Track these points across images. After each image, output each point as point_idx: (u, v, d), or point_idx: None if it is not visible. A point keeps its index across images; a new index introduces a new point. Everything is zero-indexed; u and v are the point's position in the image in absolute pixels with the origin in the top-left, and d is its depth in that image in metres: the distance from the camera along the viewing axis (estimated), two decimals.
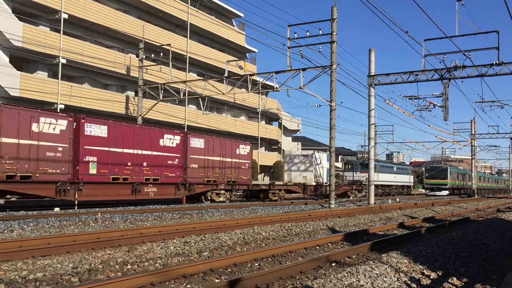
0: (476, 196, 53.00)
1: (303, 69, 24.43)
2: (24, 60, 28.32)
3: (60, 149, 17.71)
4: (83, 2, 30.48)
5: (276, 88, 26.91)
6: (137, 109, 30.65)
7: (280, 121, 52.09)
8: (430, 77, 25.05)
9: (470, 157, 58.69)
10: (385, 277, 6.82)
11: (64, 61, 28.45)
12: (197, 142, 24.37)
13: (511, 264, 8.61)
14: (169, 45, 31.34)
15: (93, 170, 18.87)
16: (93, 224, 13.65)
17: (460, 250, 9.56)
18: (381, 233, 13.36)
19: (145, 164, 21.13)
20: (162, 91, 29.09)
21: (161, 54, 30.40)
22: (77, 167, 18.30)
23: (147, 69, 31.25)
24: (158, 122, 33.23)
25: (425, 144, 66.49)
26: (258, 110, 44.69)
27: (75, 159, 18.27)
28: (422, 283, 6.87)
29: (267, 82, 28.51)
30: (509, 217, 19.41)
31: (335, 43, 24.53)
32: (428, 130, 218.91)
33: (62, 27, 28.50)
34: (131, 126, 21.37)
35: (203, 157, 24.68)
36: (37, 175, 16.95)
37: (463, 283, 6.94)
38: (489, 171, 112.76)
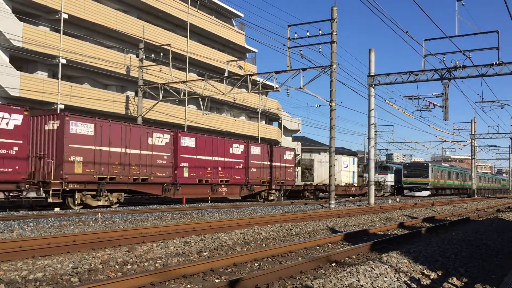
0: (476, 196, 53.00)
1: (303, 69, 24.43)
2: (24, 60, 28.31)
3: (165, 157, 22.34)
4: (83, 2, 30.48)
5: (276, 88, 26.92)
6: (137, 109, 30.65)
7: (280, 121, 52.08)
8: (430, 77, 25.05)
9: (470, 157, 58.63)
10: (385, 277, 6.83)
11: (64, 61, 28.45)
12: (255, 150, 28.81)
13: (511, 264, 8.61)
14: (169, 45, 31.34)
15: (186, 174, 23.46)
16: (93, 224, 13.65)
17: (460, 250, 9.56)
18: (381, 233, 13.36)
19: (219, 168, 25.71)
20: (162, 91, 29.09)
21: (161, 54, 30.40)
22: (176, 171, 22.87)
23: (147, 69, 31.25)
24: (158, 122, 33.22)
25: (425, 144, 66.44)
26: (258, 110, 44.68)
27: (174, 165, 22.87)
28: (422, 283, 6.87)
29: (267, 82, 28.52)
30: (509, 217, 19.41)
31: (335, 43, 24.53)
32: (428, 130, 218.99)
33: (62, 27, 28.50)
34: (210, 137, 25.99)
35: (260, 162, 29.06)
36: (151, 178, 21.56)
37: (463, 283, 6.94)
38: (489, 171, 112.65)
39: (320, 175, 37.09)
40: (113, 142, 19.87)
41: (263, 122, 48.24)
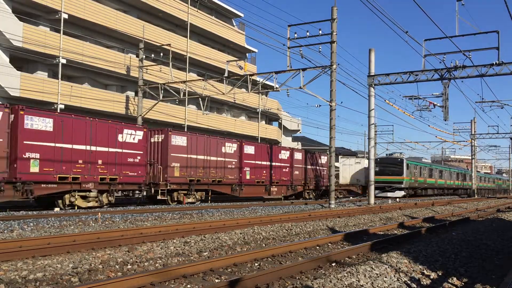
0: (476, 196, 53.00)
1: (303, 69, 24.42)
2: (24, 60, 28.31)
3: (233, 162, 27.08)
4: (83, 2, 30.48)
5: (276, 88, 26.93)
6: (137, 109, 30.65)
7: (280, 121, 52.07)
8: (430, 77, 25.05)
9: (470, 157, 58.59)
10: (385, 277, 6.83)
11: (64, 61, 28.44)
12: (298, 155, 33.34)
13: (511, 264, 8.61)
14: (169, 45, 31.34)
15: (248, 176, 28.12)
16: (93, 224, 13.65)
17: (460, 250, 9.56)
18: (381, 233, 13.36)
19: (273, 172, 30.49)
20: (162, 91, 29.08)
21: (161, 54, 30.38)
22: (241, 174, 27.58)
23: (147, 69, 31.24)
24: (158, 122, 33.23)
25: (425, 144, 66.43)
26: (258, 110, 44.69)
27: (240, 169, 27.53)
28: (422, 283, 6.87)
29: (267, 82, 28.53)
30: (509, 217, 19.41)
31: (335, 43, 24.53)
32: (428, 130, 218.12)
33: (62, 27, 28.50)
34: (265, 145, 31.26)
35: (301, 165, 33.61)
36: (224, 179, 26.33)
37: (463, 283, 6.94)
38: (489, 171, 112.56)
39: (345, 177, 40.45)
40: (199, 151, 24.63)
41: (263, 122, 48.24)
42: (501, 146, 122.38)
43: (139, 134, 21.58)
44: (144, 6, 36.02)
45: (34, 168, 17.18)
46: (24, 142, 16.93)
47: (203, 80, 28.13)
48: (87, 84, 31.99)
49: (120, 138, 20.57)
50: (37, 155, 17.33)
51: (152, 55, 30.88)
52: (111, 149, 20.08)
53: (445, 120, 26.53)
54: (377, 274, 6.88)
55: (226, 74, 26.83)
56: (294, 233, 12.65)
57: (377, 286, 6.40)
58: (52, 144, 17.81)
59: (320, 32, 24.06)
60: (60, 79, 28.18)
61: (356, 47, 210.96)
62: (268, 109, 45.68)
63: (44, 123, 17.59)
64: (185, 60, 37.11)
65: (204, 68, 39.47)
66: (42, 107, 22.42)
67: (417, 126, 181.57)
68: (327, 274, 7.13)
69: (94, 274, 7.13)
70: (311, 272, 7.53)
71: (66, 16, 29.06)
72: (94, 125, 19.43)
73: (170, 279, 6.73)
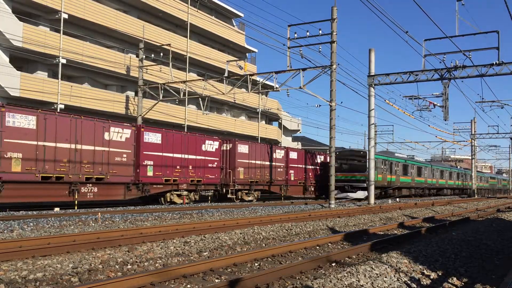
0: (476, 196, 53.01)
1: (303, 69, 24.42)
2: (24, 60, 28.31)
3: (282, 166, 31.38)
4: (83, 2, 30.47)
5: (276, 88, 26.93)
6: (137, 109, 30.65)
7: (280, 121, 52.06)
8: (430, 77, 25.05)
9: (470, 157, 58.58)
10: (385, 277, 6.83)
11: (64, 61, 28.43)
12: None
13: (511, 264, 8.61)
14: (169, 45, 31.33)
15: (292, 177, 32.36)
16: (93, 224, 13.65)
17: (460, 250, 9.56)
18: (381, 233, 13.36)
19: (310, 174, 34.61)
20: (162, 91, 29.08)
21: (161, 54, 30.38)
22: (287, 176, 31.82)
23: (147, 69, 31.23)
24: (158, 122, 33.23)
25: (425, 144, 66.38)
26: (258, 110, 44.68)
27: (286, 171, 31.73)
28: (422, 283, 6.87)
29: (267, 82, 28.54)
30: (509, 217, 19.41)
31: (335, 43, 24.53)
32: (428, 130, 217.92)
33: (62, 27, 28.49)
34: (305, 151, 35.31)
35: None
36: (275, 181, 30.68)
37: (463, 283, 6.94)
38: (489, 171, 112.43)
39: None
40: (257, 157, 28.83)
41: (263, 122, 48.23)
42: (501, 146, 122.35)
43: (216, 144, 25.99)
44: (144, 6, 36.01)
45: (150, 173, 21.77)
46: (144, 152, 21.44)
47: (203, 80, 28.13)
48: (87, 84, 31.98)
49: (203, 147, 25.02)
50: (151, 162, 21.87)
51: (152, 55, 30.88)
52: (197, 157, 24.61)
53: (445, 120, 26.55)
54: (377, 274, 6.88)
55: (226, 74, 26.83)
56: (294, 233, 12.65)
57: (377, 286, 6.40)
58: (160, 154, 22.40)
59: (320, 32, 24.07)
60: (60, 79, 28.16)
61: (356, 47, 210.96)
62: (268, 109, 45.67)
63: (155, 137, 22.13)
64: (185, 60, 37.11)
65: (204, 68, 39.47)
66: (42, 107, 22.40)
67: (417, 126, 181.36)
68: (327, 274, 7.13)
69: (94, 274, 7.13)
70: (311, 272, 7.53)
71: (66, 16, 29.04)
72: (186, 137, 24.03)
73: (170, 279, 6.73)
